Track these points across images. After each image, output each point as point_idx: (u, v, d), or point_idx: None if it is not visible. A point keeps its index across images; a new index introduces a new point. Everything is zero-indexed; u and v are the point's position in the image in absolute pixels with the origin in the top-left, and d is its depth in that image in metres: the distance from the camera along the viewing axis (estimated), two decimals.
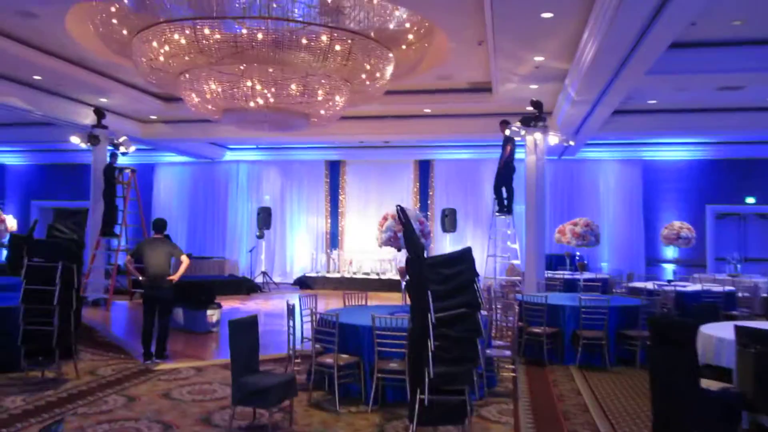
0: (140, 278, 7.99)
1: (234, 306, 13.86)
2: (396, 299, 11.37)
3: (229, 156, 19.79)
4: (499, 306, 9.24)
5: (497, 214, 12.00)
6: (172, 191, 20.36)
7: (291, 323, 6.62)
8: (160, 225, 8.38)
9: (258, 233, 17.78)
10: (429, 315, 4.53)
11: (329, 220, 19.19)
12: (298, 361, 6.97)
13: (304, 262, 19.16)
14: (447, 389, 4.60)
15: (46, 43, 9.94)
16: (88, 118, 13.48)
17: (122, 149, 13.44)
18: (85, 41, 9.64)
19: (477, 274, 4.73)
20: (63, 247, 6.59)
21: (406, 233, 4.71)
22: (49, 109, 12.67)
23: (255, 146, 19.34)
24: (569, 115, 11.79)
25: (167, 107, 13.94)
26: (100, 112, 13.32)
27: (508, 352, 7.00)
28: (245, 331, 5.36)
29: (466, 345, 4.63)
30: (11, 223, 17.12)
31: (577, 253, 14.40)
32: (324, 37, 8.31)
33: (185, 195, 20.27)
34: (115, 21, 8.69)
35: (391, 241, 6.96)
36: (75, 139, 13.11)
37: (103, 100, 13.17)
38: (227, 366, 7.61)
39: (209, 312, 10.16)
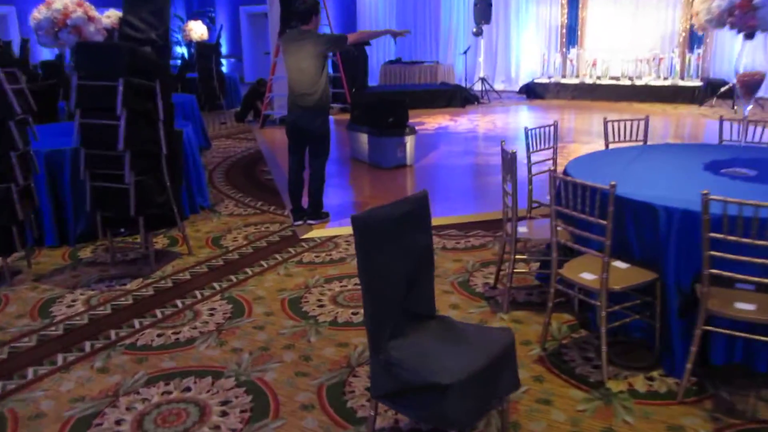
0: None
1: (443, 124, 10.97)
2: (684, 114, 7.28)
3: None
4: None
5: None
6: None
7: (509, 186, 3.46)
8: (302, 10, 4.86)
9: (474, 29, 14.19)
10: None
11: (566, 11, 14.79)
12: (524, 256, 3.80)
13: (533, 64, 15.41)
14: None
15: None
16: None
17: None
18: None
19: None
20: (126, 54, 3.73)
21: None
22: None
23: None
24: None
25: None
26: None
27: None
28: (397, 236, 2.23)
29: None
30: (200, 30, 15.65)
31: None
32: None
33: None
34: None
35: (730, 18, 3.11)
36: None
37: None
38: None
39: (399, 139, 7.34)
